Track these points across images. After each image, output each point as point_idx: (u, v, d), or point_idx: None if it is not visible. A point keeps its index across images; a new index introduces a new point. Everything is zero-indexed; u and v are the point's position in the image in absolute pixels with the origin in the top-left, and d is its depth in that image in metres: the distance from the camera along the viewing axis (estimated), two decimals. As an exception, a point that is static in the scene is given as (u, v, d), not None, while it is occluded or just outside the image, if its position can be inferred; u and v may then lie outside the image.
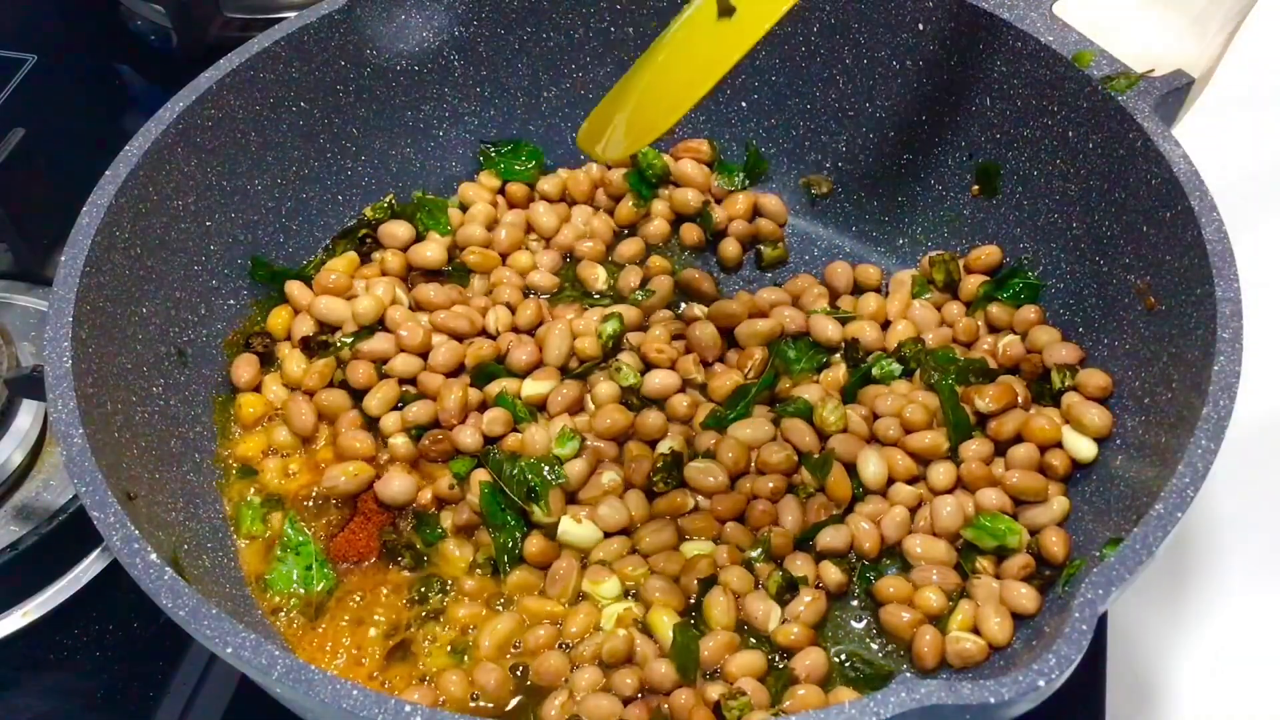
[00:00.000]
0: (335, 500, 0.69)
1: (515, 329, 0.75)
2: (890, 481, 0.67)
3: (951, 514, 0.65)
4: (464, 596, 0.66)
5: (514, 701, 0.62)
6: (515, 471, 0.67)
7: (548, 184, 0.82)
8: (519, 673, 0.63)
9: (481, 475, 0.68)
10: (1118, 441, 0.66)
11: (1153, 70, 0.66)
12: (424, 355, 0.73)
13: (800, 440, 0.68)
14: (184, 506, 0.66)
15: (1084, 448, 0.66)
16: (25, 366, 0.74)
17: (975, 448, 0.67)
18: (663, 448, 0.69)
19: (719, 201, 0.82)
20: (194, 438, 0.70)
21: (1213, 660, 0.71)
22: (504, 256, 0.79)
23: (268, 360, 0.74)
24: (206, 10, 1.01)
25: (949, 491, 0.67)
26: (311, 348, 0.74)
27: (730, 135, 0.83)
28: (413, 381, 0.73)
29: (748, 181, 0.82)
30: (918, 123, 0.77)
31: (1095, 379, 0.68)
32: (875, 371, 0.72)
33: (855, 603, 0.65)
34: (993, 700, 0.47)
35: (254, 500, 0.69)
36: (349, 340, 0.74)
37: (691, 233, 0.81)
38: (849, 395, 0.71)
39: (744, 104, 0.82)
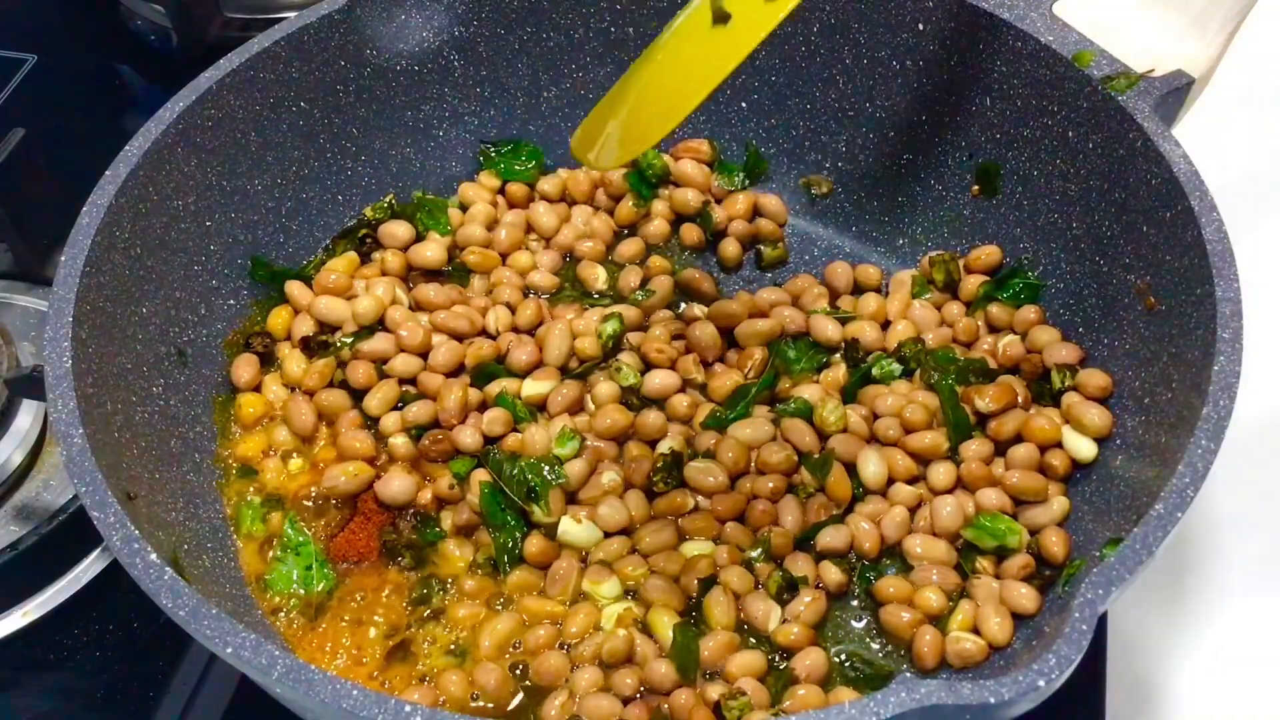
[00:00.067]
0: (335, 500, 0.69)
1: (515, 329, 0.75)
2: (890, 481, 0.67)
3: (951, 514, 0.65)
4: (464, 596, 0.66)
5: (514, 701, 0.62)
6: (515, 471, 0.67)
7: (548, 184, 0.82)
8: (519, 673, 0.63)
9: (481, 475, 0.68)
10: (1118, 441, 0.66)
11: (1153, 70, 0.66)
12: (424, 355, 0.73)
13: (800, 440, 0.68)
14: (184, 506, 0.66)
15: (1084, 448, 0.66)
16: (25, 366, 0.74)
17: (975, 448, 0.67)
18: (663, 448, 0.69)
19: (719, 201, 0.82)
20: (194, 438, 0.70)
21: (1213, 660, 0.71)
22: (504, 256, 0.79)
23: (268, 360, 0.74)
24: (206, 10, 1.01)
25: (949, 491, 0.67)
26: (311, 348, 0.74)
27: (730, 135, 0.83)
28: (413, 381, 0.73)
29: (748, 181, 0.82)
30: (918, 123, 0.77)
31: (1095, 379, 0.68)
32: (875, 371, 0.72)
33: (855, 603, 0.65)
34: (993, 700, 0.47)
35: (254, 500, 0.69)
36: (349, 340, 0.74)
37: (691, 233, 0.81)
38: (849, 395, 0.71)
39: (744, 104, 0.82)
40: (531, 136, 0.84)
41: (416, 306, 0.76)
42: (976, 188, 0.76)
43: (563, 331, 0.73)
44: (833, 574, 0.64)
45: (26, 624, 0.70)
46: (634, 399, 0.71)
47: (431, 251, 0.78)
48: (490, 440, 0.70)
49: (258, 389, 0.73)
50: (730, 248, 0.80)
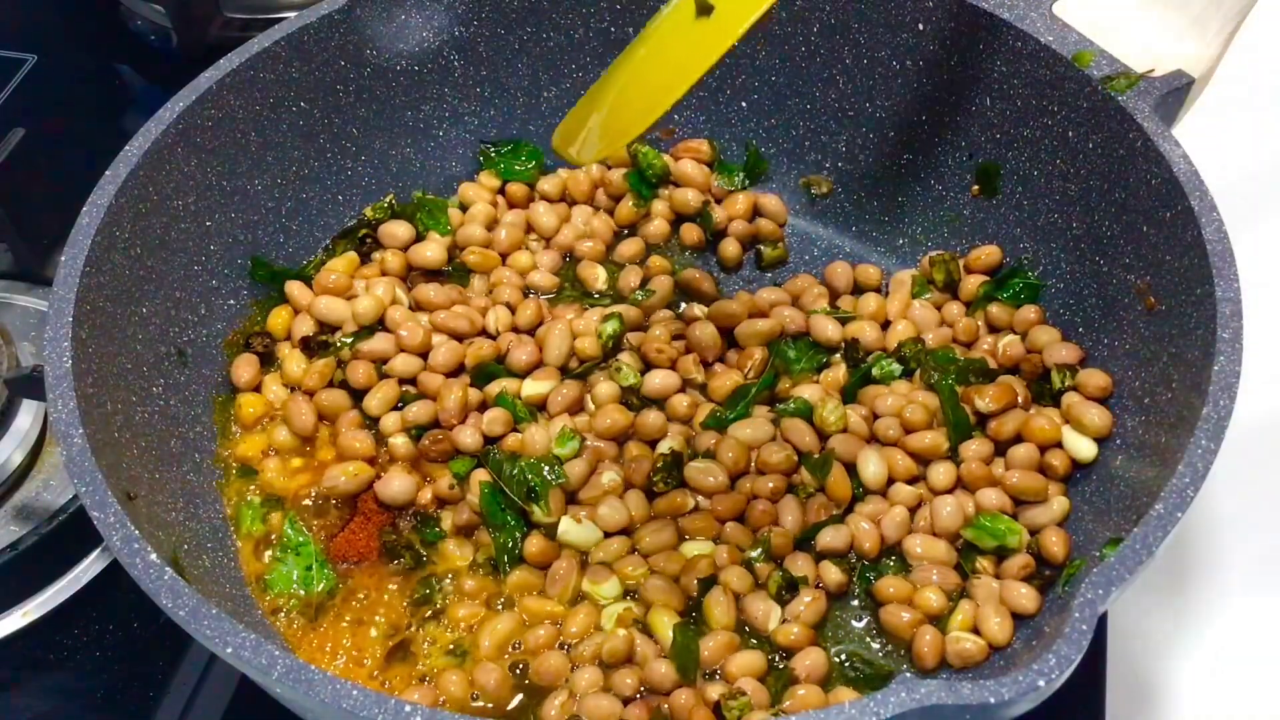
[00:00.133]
0: (335, 500, 0.69)
1: (515, 329, 0.75)
2: (890, 481, 0.67)
3: (951, 514, 0.65)
4: (464, 597, 0.65)
5: (514, 701, 0.62)
6: (515, 471, 0.67)
7: (548, 184, 0.82)
8: (519, 672, 0.63)
9: (481, 475, 0.68)
10: (1118, 441, 0.66)
11: (1153, 70, 0.66)
12: (424, 355, 0.73)
13: (800, 440, 0.68)
14: (184, 506, 0.66)
15: (1084, 448, 0.66)
16: (25, 366, 0.74)
17: (975, 448, 0.67)
18: (663, 448, 0.69)
19: (719, 201, 0.82)
20: (194, 438, 0.70)
21: (1213, 660, 0.71)
22: (504, 256, 0.79)
23: (268, 360, 0.74)
24: (206, 10, 1.01)
25: (949, 491, 0.67)
26: (311, 348, 0.74)
27: (730, 135, 0.83)
28: (413, 381, 0.73)
29: (748, 181, 0.82)
30: (918, 123, 0.77)
31: (1095, 379, 0.68)
32: (875, 371, 0.72)
33: (855, 603, 0.65)
34: (993, 700, 0.47)
35: (254, 500, 0.69)
36: (349, 340, 0.74)
37: (691, 233, 0.81)
38: (849, 395, 0.71)
39: (744, 104, 0.82)
40: (531, 136, 0.83)
41: (416, 306, 0.76)
42: (976, 188, 0.76)
43: (563, 331, 0.73)
44: (833, 574, 0.64)
45: (26, 624, 0.70)
46: (634, 399, 0.71)
47: (431, 251, 0.78)
48: (490, 440, 0.70)
49: (258, 389, 0.73)
50: (730, 248, 0.80)
